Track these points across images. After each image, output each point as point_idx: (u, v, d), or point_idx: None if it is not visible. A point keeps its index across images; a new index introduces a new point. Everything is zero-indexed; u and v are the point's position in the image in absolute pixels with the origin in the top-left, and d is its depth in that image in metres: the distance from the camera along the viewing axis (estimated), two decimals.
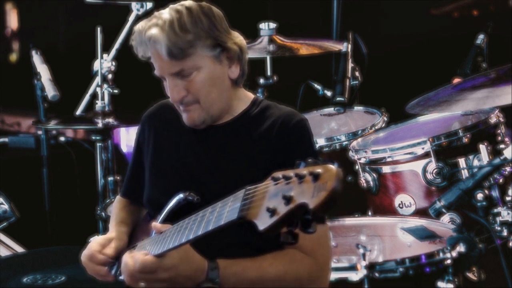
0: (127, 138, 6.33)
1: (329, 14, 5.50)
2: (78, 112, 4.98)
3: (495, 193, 3.60)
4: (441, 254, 3.23)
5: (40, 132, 4.81)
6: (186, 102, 2.73)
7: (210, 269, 2.59)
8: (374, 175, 3.88)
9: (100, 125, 4.51)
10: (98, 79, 4.67)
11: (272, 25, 4.57)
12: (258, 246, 2.66)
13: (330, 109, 4.54)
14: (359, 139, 4.12)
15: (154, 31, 2.65)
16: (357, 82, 4.53)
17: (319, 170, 2.04)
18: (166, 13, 2.67)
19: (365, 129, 4.20)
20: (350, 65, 4.44)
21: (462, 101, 3.47)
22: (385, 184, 3.87)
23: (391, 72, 5.64)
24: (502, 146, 3.74)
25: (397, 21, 5.90)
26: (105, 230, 4.22)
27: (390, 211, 3.84)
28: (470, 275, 3.39)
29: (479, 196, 3.36)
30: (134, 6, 4.83)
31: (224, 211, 2.27)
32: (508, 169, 3.57)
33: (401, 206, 3.82)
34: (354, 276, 3.17)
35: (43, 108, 4.62)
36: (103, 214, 4.15)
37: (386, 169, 3.86)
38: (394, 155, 3.83)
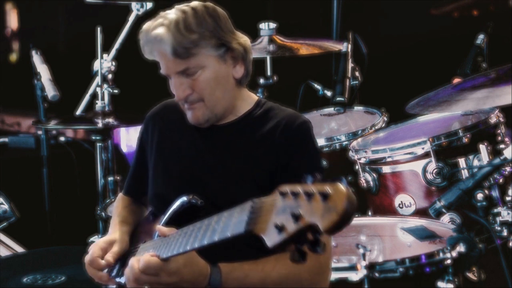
0: (127, 138, 6.33)
1: (329, 14, 5.50)
2: (78, 112, 4.98)
3: (495, 193, 3.60)
4: (441, 254, 3.23)
5: (40, 132, 4.81)
6: (190, 101, 2.76)
7: (212, 274, 2.61)
8: (374, 175, 3.88)
9: (100, 125, 4.51)
10: (98, 79, 4.66)
11: (272, 25, 4.57)
12: (259, 246, 2.66)
13: (330, 109, 4.54)
14: (359, 139, 4.12)
15: (160, 30, 2.68)
16: (357, 82, 4.53)
17: (328, 190, 2.03)
18: (172, 13, 2.71)
19: (365, 129, 4.20)
20: (350, 65, 4.44)
21: (462, 101, 3.47)
22: (385, 184, 3.86)
23: (391, 72, 5.64)
24: (502, 146, 3.74)
25: (397, 21, 5.90)
26: (105, 230, 4.22)
27: (390, 211, 3.83)
28: (470, 275, 3.39)
29: (479, 196, 3.36)
30: (134, 6, 4.83)
31: (230, 223, 2.27)
32: (508, 169, 3.57)
33: (401, 206, 3.82)
34: (354, 276, 3.17)
35: (43, 108, 4.62)
36: (103, 214, 4.14)
37: (386, 169, 3.86)
38: (394, 155, 3.83)
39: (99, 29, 4.60)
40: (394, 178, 3.84)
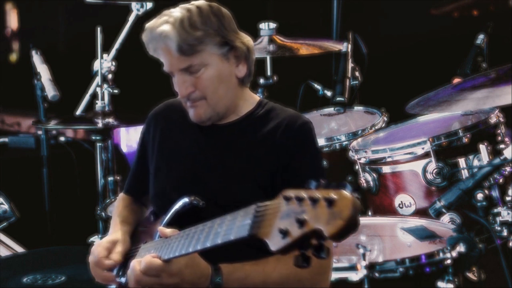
0: (127, 138, 6.33)
1: (329, 14, 5.50)
2: (78, 112, 4.98)
3: (495, 193, 3.59)
4: (441, 254, 3.23)
5: (40, 132, 4.81)
6: (193, 98, 2.77)
7: (214, 275, 2.61)
8: (374, 175, 3.88)
9: (100, 125, 4.51)
10: (98, 79, 4.66)
11: (272, 25, 4.57)
12: (259, 246, 2.66)
13: (330, 109, 4.54)
14: (359, 139, 4.12)
15: (165, 27, 2.70)
16: (357, 82, 4.53)
17: (334, 196, 2.03)
18: (177, 12, 2.73)
19: (365, 129, 4.20)
20: (350, 65, 4.44)
21: (462, 101, 3.47)
22: (385, 184, 3.86)
23: (391, 72, 5.64)
24: (502, 146, 3.74)
25: (397, 21, 5.90)
26: (105, 230, 4.22)
27: (390, 211, 3.84)
28: (470, 275, 3.39)
29: (479, 196, 3.36)
30: (134, 6, 4.83)
31: (234, 226, 2.28)
32: (508, 169, 3.57)
33: (401, 206, 3.82)
34: (354, 276, 3.17)
35: (43, 108, 4.62)
36: (103, 214, 4.14)
37: (386, 169, 3.86)
38: (394, 155, 3.83)
39: (99, 29, 4.60)
40: (394, 178, 3.84)
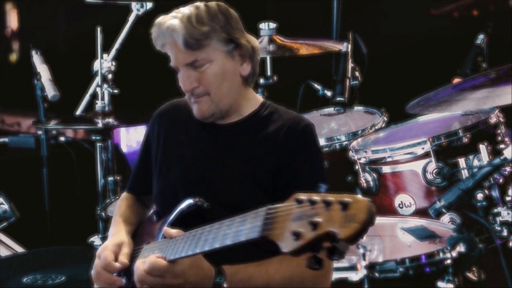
0: (127, 138, 6.33)
1: (329, 14, 5.50)
2: (78, 112, 4.98)
3: (495, 193, 3.59)
4: (441, 254, 3.23)
5: (40, 132, 4.80)
6: (197, 94, 2.80)
7: (217, 277, 2.63)
8: (374, 175, 3.88)
9: (100, 125, 4.51)
10: (98, 79, 4.66)
11: (272, 25, 4.57)
12: (262, 247, 2.67)
13: (330, 109, 4.54)
14: (359, 139, 4.12)
15: (173, 21, 2.75)
16: (357, 82, 4.53)
17: (348, 199, 2.05)
18: (185, 9, 2.80)
19: (365, 129, 4.20)
20: (350, 65, 4.44)
21: (462, 101, 3.47)
22: (385, 184, 3.86)
23: (391, 72, 5.64)
24: (502, 146, 3.74)
25: (397, 21, 5.90)
26: (105, 230, 4.22)
27: (390, 211, 3.83)
28: (470, 275, 3.39)
29: (479, 196, 3.36)
30: (134, 6, 4.83)
31: (244, 228, 2.29)
32: (508, 169, 3.57)
33: (401, 206, 3.82)
34: (354, 276, 3.17)
35: (43, 108, 4.62)
36: (103, 214, 4.14)
37: (386, 169, 3.86)
38: (394, 155, 3.83)
39: (99, 29, 4.60)
40: (394, 178, 3.84)
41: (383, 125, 4.26)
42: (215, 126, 2.87)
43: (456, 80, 3.99)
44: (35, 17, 6.64)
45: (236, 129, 2.86)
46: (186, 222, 2.69)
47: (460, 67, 4.29)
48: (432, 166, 3.73)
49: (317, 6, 6.03)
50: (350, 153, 4.00)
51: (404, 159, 3.81)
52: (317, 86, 4.65)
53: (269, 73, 4.63)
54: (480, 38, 4.34)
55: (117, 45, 4.82)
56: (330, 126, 4.51)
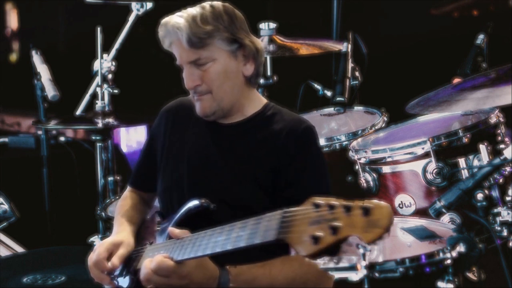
0: (127, 138, 6.33)
1: (329, 14, 5.50)
2: (78, 112, 4.98)
3: (495, 193, 3.59)
4: (441, 254, 3.23)
5: (40, 132, 4.80)
6: (199, 91, 2.85)
7: (222, 277, 2.65)
8: (374, 175, 3.88)
9: (100, 125, 4.51)
10: (98, 79, 4.66)
11: (272, 25, 4.57)
12: (266, 248, 2.68)
13: (330, 109, 4.54)
14: (359, 139, 4.12)
15: (178, 20, 2.80)
16: (357, 82, 4.53)
17: (369, 205, 2.10)
18: (192, 9, 2.85)
19: (365, 129, 4.20)
20: (350, 65, 4.44)
21: (462, 101, 3.46)
22: (385, 184, 3.86)
23: (391, 72, 5.64)
24: (502, 146, 3.74)
25: (397, 21, 5.90)
26: (105, 230, 4.22)
27: None
28: (470, 275, 3.39)
29: (479, 196, 3.36)
30: (134, 6, 4.83)
31: (258, 230, 2.31)
32: (508, 169, 3.57)
33: (401, 206, 3.82)
34: (354, 276, 3.17)
35: (43, 108, 4.62)
36: (103, 214, 4.14)
37: (386, 169, 3.86)
38: (394, 155, 3.82)
39: (99, 29, 4.60)
40: (394, 178, 3.84)
41: (383, 125, 4.26)
42: (218, 125, 2.91)
43: (456, 80, 3.99)
44: (35, 17, 6.64)
45: (238, 129, 2.89)
46: (188, 221, 2.70)
47: (460, 67, 4.29)
48: (432, 166, 3.73)
49: (317, 6, 6.03)
50: (350, 153, 3.99)
51: (404, 159, 3.81)
52: (317, 86, 4.65)
53: (269, 73, 4.63)
54: (480, 38, 4.34)
55: (117, 45, 4.82)
56: (330, 126, 4.50)
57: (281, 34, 4.59)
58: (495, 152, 3.68)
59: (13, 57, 6.80)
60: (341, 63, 4.43)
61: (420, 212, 3.75)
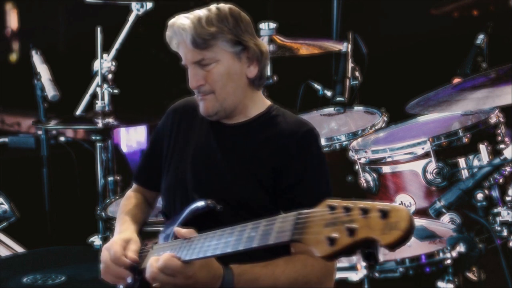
0: (127, 138, 6.33)
1: (329, 14, 5.50)
2: (78, 112, 4.98)
3: (495, 193, 3.59)
4: (441, 254, 3.23)
5: (40, 132, 4.80)
6: (203, 91, 2.89)
7: (225, 276, 2.66)
8: (374, 175, 3.88)
9: (100, 125, 4.51)
10: (98, 79, 4.66)
11: (272, 25, 4.57)
12: (269, 249, 2.69)
13: (330, 109, 4.54)
14: (359, 139, 4.12)
15: (184, 21, 2.85)
16: (357, 82, 4.53)
17: (387, 207, 2.09)
18: (198, 11, 2.89)
19: (365, 129, 4.20)
20: (350, 65, 4.44)
21: (462, 101, 3.47)
22: (385, 184, 3.86)
23: (391, 72, 5.64)
24: (502, 146, 3.74)
25: (397, 21, 5.90)
26: (105, 230, 4.22)
27: None
28: (470, 275, 3.39)
29: (479, 196, 3.36)
30: (134, 6, 4.83)
31: (272, 231, 2.32)
32: (508, 169, 3.57)
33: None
34: (354, 276, 3.17)
35: (43, 108, 4.62)
36: (103, 214, 4.14)
37: (386, 169, 3.86)
38: (394, 155, 3.83)
39: (99, 29, 4.60)
40: (394, 178, 3.84)
41: (383, 125, 4.27)
42: (222, 125, 2.95)
43: (456, 80, 3.99)
44: (35, 17, 6.65)
45: (241, 129, 2.92)
46: (196, 224, 2.72)
47: (460, 67, 4.29)
48: (432, 166, 3.73)
49: (317, 6, 6.03)
50: (350, 153, 4.00)
51: (404, 159, 3.81)
52: (317, 86, 4.65)
53: (269, 73, 4.63)
54: (480, 38, 4.34)
55: (117, 45, 4.82)
56: (330, 126, 4.51)
57: (281, 34, 4.60)
58: (495, 152, 3.68)
59: (13, 57, 6.80)
60: (341, 63, 4.43)
61: (420, 212, 3.75)
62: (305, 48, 4.54)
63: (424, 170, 3.75)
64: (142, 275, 2.75)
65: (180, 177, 2.95)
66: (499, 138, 3.80)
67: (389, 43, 5.74)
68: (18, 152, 5.07)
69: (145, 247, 2.88)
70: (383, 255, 3.41)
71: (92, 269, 3.31)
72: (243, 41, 2.86)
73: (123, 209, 3.09)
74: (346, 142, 4.12)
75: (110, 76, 4.67)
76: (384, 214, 2.08)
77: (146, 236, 3.01)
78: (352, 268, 3.18)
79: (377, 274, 3.18)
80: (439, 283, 3.23)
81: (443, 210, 3.35)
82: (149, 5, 4.81)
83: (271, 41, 4.54)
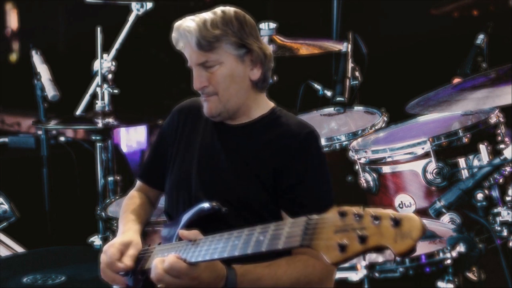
0: (127, 138, 6.33)
1: (329, 14, 5.50)
2: (78, 112, 4.98)
3: (495, 193, 3.59)
4: (441, 254, 3.23)
5: (40, 132, 4.80)
6: (206, 92, 2.93)
7: (229, 276, 2.68)
8: (374, 175, 3.88)
9: (100, 125, 4.51)
10: (98, 79, 4.66)
11: (272, 25, 4.57)
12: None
13: (330, 109, 4.54)
14: (359, 139, 4.12)
15: (189, 23, 2.89)
16: (357, 82, 4.53)
17: (400, 216, 2.11)
18: (204, 14, 2.93)
19: (365, 129, 4.20)
20: (350, 65, 4.44)
21: (462, 101, 3.47)
22: (385, 184, 3.86)
23: (391, 72, 5.64)
24: (502, 146, 3.74)
25: (397, 21, 5.90)
26: (105, 230, 4.22)
27: None
28: (470, 275, 3.39)
29: (479, 196, 3.36)
30: (134, 6, 4.83)
31: (281, 236, 2.33)
32: (508, 169, 3.57)
33: (401, 206, 3.82)
34: (354, 276, 3.17)
35: (43, 108, 4.62)
36: (103, 214, 4.14)
37: (386, 169, 3.86)
38: (394, 155, 3.83)
39: (99, 29, 4.60)
40: (394, 178, 3.84)
41: (383, 125, 4.27)
42: (226, 126, 2.98)
43: (456, 80, 3.99)
44: (35, 17, 6.65)
45: (244, 130, 2.95)
46: (200, 226, 2.73)
47: (460, 67, 4.29)
48: (432, 166, 3.73)
49: (317, 6, 6.03)
50: (350, 153, 4.00)
51: (404, 159, 3.81)
52: (317, 86, 4.66)
53: None
54: (480, 38, 4.34)
55: (117, 45, 4.82)
56: (330, 126, 4.51)
57: (281, 34, 4.60)
58: (495, 152, 3.68)
59: (13, 57, 6.80)
60: (341, 63, 4.43)
61: (420, 212, 3.75)
62: (305, 48, 4.54)
63: (424, 170, 3.75)
64: (146, 275, 2.76)
65: (184, 177, 2.98)
66: (499, 138, 3.80)
67: (389, 43, 5.74)
68: (18, 152, 5.07)
69: (148, 248, 2.88)
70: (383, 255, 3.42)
71: (92, 269, 3.30)
72: (247, 44, 2.89)
73: (127, 208, 3.10)
74: (346, 142, 4.12)
75: (110, 76, 4.67)
76: (396, 222, 2.09)
77: (146, 236, 3.01)
78: (352, 268, 3.18)
79: (377, 274, 3.17)
80: (439, 283, 3.23)
81: (443, 210, 3.35)
82: (149, 5, 4.81)
83: (271, 41, 4.54)
